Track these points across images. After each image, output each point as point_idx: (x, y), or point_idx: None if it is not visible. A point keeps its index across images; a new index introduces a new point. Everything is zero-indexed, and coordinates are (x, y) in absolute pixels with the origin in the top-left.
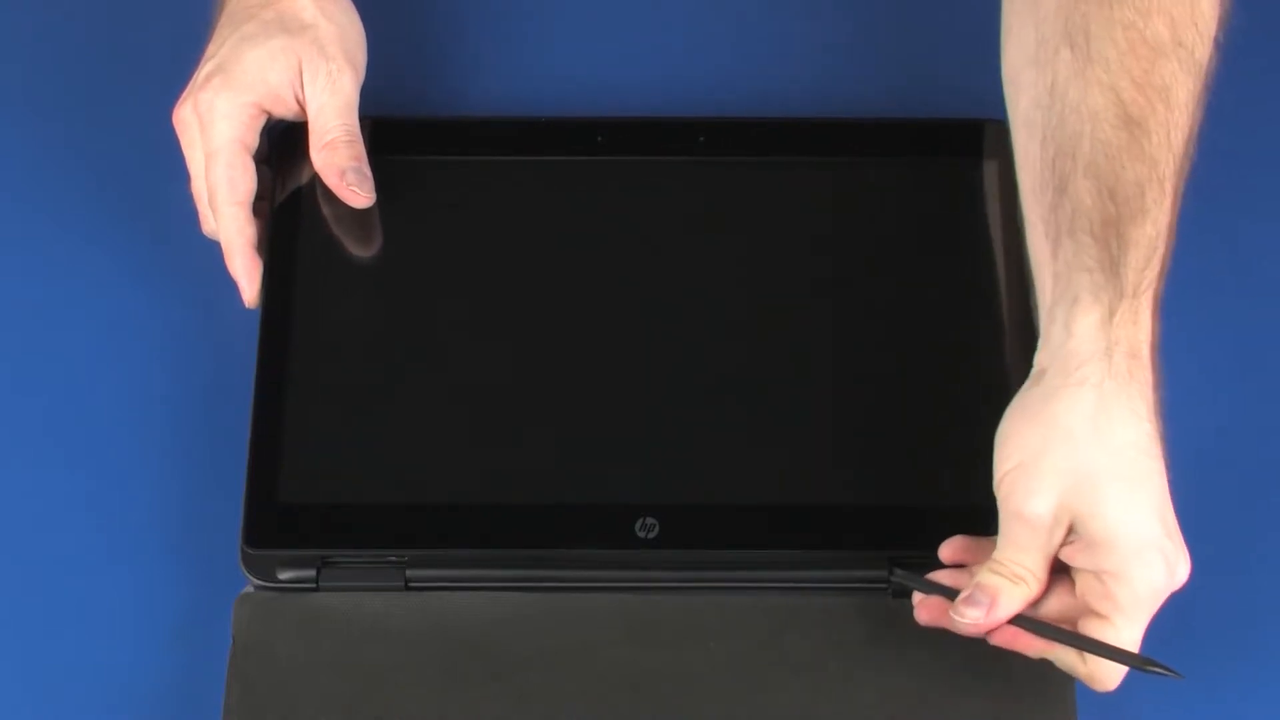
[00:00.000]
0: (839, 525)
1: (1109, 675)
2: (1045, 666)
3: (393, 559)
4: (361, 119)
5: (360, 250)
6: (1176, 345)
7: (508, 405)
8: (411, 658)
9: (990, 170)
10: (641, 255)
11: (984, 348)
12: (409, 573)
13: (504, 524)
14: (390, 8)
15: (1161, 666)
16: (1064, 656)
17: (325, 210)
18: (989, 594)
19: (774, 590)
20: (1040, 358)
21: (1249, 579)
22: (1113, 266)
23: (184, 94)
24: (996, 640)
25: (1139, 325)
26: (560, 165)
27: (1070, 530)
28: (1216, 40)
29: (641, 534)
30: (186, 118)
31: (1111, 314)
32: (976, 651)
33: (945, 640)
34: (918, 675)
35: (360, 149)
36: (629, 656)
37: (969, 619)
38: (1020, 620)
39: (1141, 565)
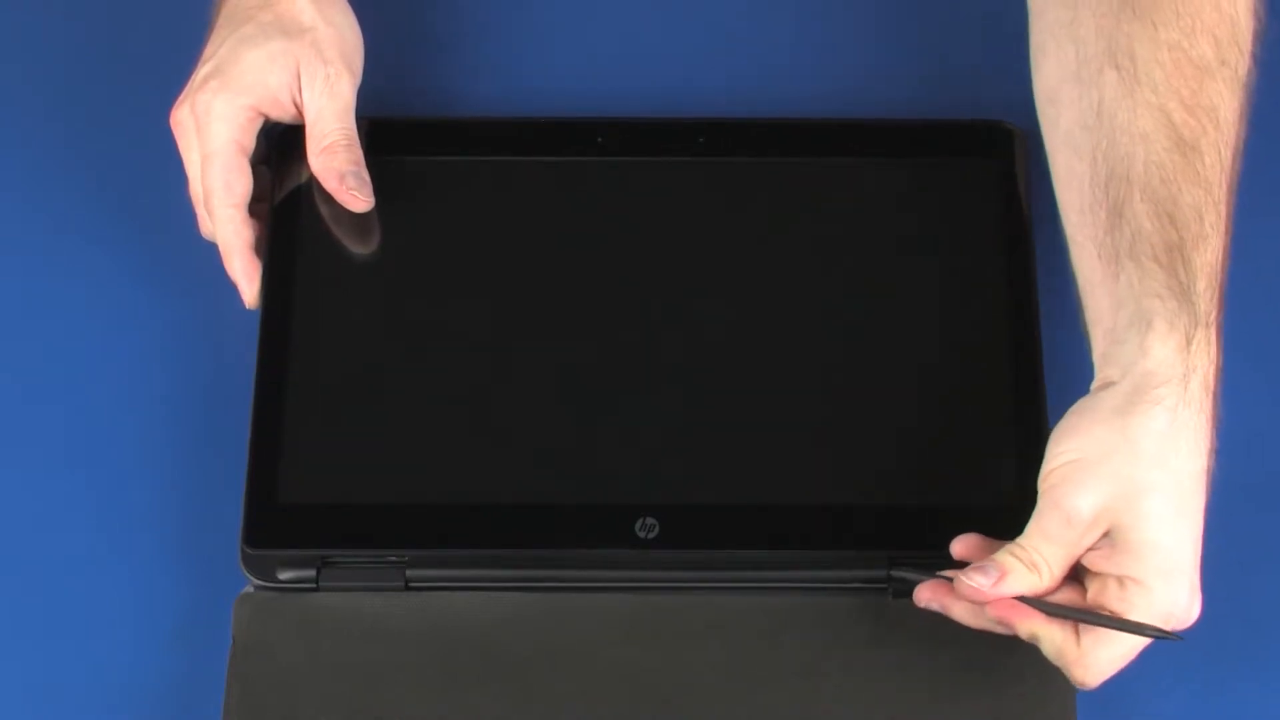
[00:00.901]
0: (839, 525)
1: (1098, 665)
2: (1045, 667)
3: (393, 559)
4: (360, 119)
5: (360, 251)
6: None
7: (508, 405)
8: (411, 658)
9: (991, 171)
10: (641, 255)
11: (985, 349)
12: (409, 573)
13: (504, 524)
14: (390, 8)
15: (1166, 633)
16: (1054, 639)
17: (325, 211)
18: (1000, 568)
19: (774, 590)
20: (1109, 372)
21: (1253, 582)
22: (1184, 294)
23: (181, 95)
24: (993, 612)
25: (1210, 356)
26: (560, 165)
27: (1104, 537)
28: (1254, 55)
29: (641, 534)
30: (184, 119)
31: (1189, 341)
32: (976, 652)
33: (946, 640)
34: (918, 675)
35: (358, 153)
36: (629, 656)
37: (974, 582)
38: (1026, 598)
39: (1168, 583)
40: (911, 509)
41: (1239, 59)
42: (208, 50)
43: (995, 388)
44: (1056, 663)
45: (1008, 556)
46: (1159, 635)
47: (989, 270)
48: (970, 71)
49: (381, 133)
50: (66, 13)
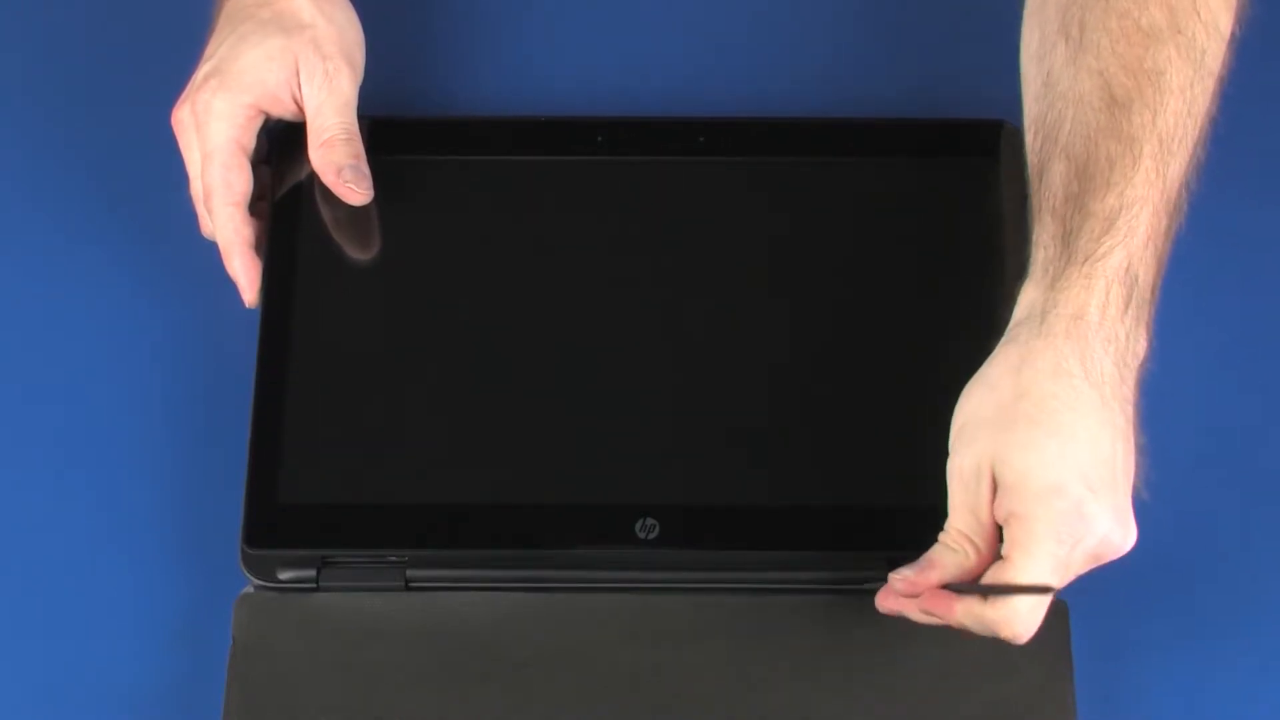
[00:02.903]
0: (839, 526)
1: (1018, 617)
2: (1045, 664)
3: (393, 559)
4: (361, 119)
5: (360, 250)
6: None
7: (508, 405)
8: (411, 658)
9: (992, 171)
10: (641, 256)
11: (988, 348)
12: (409, 573)
13: (504, 524)
14: (390, 8)
15: (1035, 588)
16: (971, 612)
17: (325, 210)
18: (927, 557)
19: (774, 591)
20: None
21: (1251, 570)
22: (1065, 238)
23: (182, 95)
24: (924, 604)
25: (1090, 290)
26: (560, 165)
27: (994, 486)
28: (1232, 33)
29: (641, 534)
30: (184, 119)
31: (1055, 281)
32: (977, 650)
33: (946, 639)
34: (917, 674)
35: (358, 147)
36: (629, 656)
37: (900, 576)
38: (949, 586)
39: (1042, 504)
40: (911, 509)
41: (1198, 28)
42: (208, 49)
43: None
44: (985, 633)
45: (936, 545)
46: (1029, 592)
47: (990, 270)
48: (970, 70)
49: (381, 132)
50: (66, 12)
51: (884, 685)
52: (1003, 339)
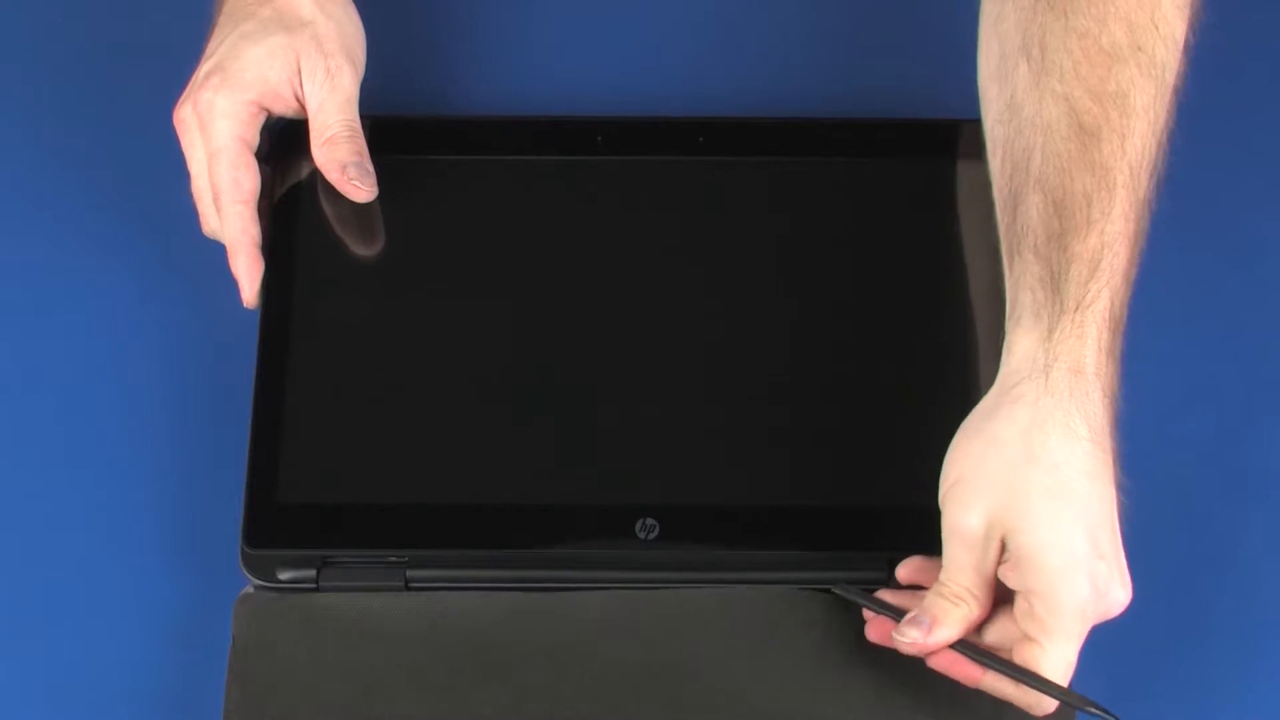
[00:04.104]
0: (838, 525)
1: (1042, 702)
2: None
3: (393, 559)
4: (362, 118)
5: (360, 250)
6: (1176, 344)
7: (508, 405)
8: (411, 658)
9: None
10: (641, 255)
11: (987, 350)
12: (409, 573)
13: (504, 524)
14: (390, 7)
15: (1096, 707)
16: (999, 685)
17: (325, 209)
18: (930, 615)
19: (774, 590)
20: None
21: (1252, 582)
22: (1054, 283)
23: (184, 94)
24: (934, 664)
25: (1084, 340)
26: (560, 165)
27: (1005, 548)
28: (1186, 41)
29: (641, 534)
30: (187, 117)
31: (1051, 331)
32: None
33: None
34: (917, 675)
35: (361, 143)
36: (629, 656)
37: (909, 639)
38: (960, 646)
39: (1065, 584)
40: (910, 509)
41: (1157, 44)
42: (209, 47)
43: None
44: (1015, 704)
45: (935, 599)
46: (1067, 701)
47: (989, 270)
48: (972, 70)
49: (382, 132)
50: (67, 12)
51: (884, 685)
52: (1002, 390)
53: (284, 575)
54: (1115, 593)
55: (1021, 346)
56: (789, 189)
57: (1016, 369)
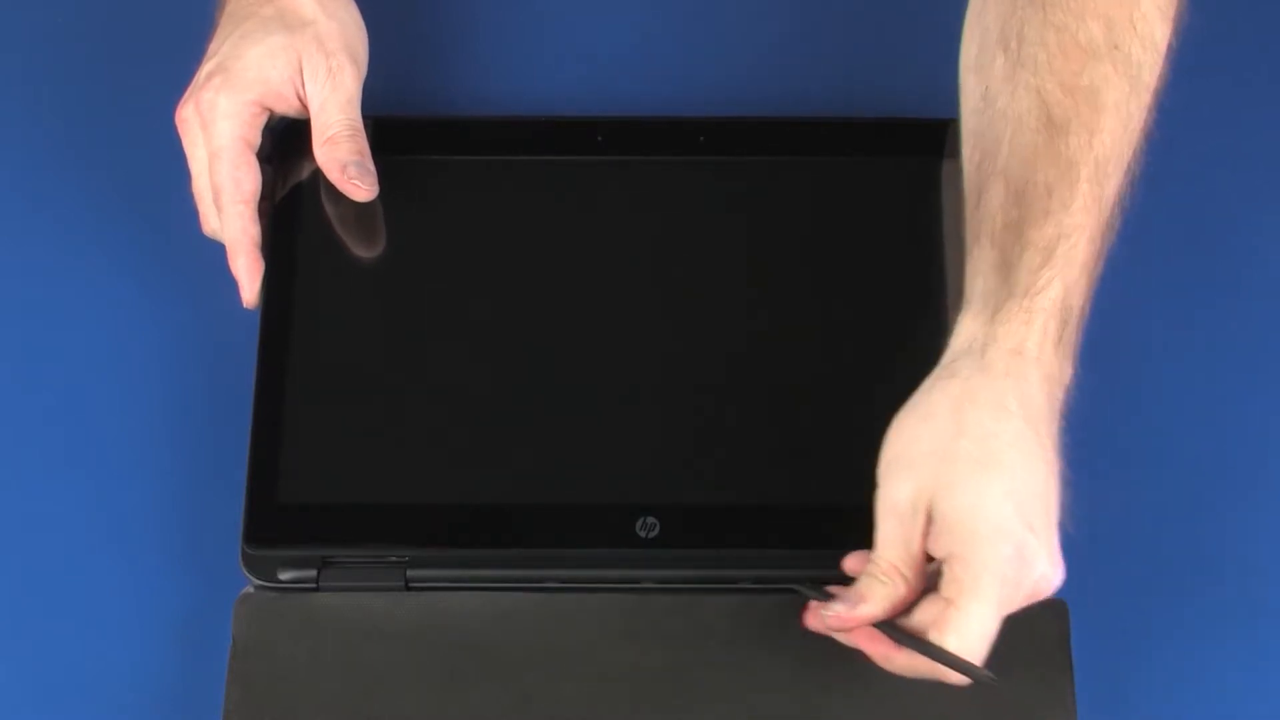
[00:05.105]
0: (839, 525)
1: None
2: (1045, 665)
3: (393, 559)
4: (364, 118)
5: (360, 250)
6: (1176, 344)
7: (508, 405)
8: (411, 658)
9: None
10: (641, 255)
11: None
12: (409, 573)
13: (504, 524)
14: (391, 7)
15: (985, 674)
16: (910, 663)
17: (326, 209)
18: (856, 592)
19: (774, 589)
20: None
21: (1251, 569)
22: (1006, 269)
23: (186, 94)
24: (848, 639)
25: (1030, 325)
26: (560, 165)
27: (930, 520)
28: (1169, 43)
29: (641, 534)
30: (188, 117)
31: (995, 314)
32: None
33: None
34: (920, 676)
35: (362, 143)
36: (629, 656)
37: (831, 611)
38: (881, 624)
39: (987, 546)
40: None
41: (1134, 43)
42: (211, 48)
43: None
44: (929, 678)
45: (864, 577)
46: (969, 673)
47: None
48: None
49: (382, 132)
50: (67, 12)
51: (885, 685)
52: (939, 370)
53: (284, 575)
54: (1042, 567)
55: (965, 329)
56: (790, 189)
57: (956, 349)
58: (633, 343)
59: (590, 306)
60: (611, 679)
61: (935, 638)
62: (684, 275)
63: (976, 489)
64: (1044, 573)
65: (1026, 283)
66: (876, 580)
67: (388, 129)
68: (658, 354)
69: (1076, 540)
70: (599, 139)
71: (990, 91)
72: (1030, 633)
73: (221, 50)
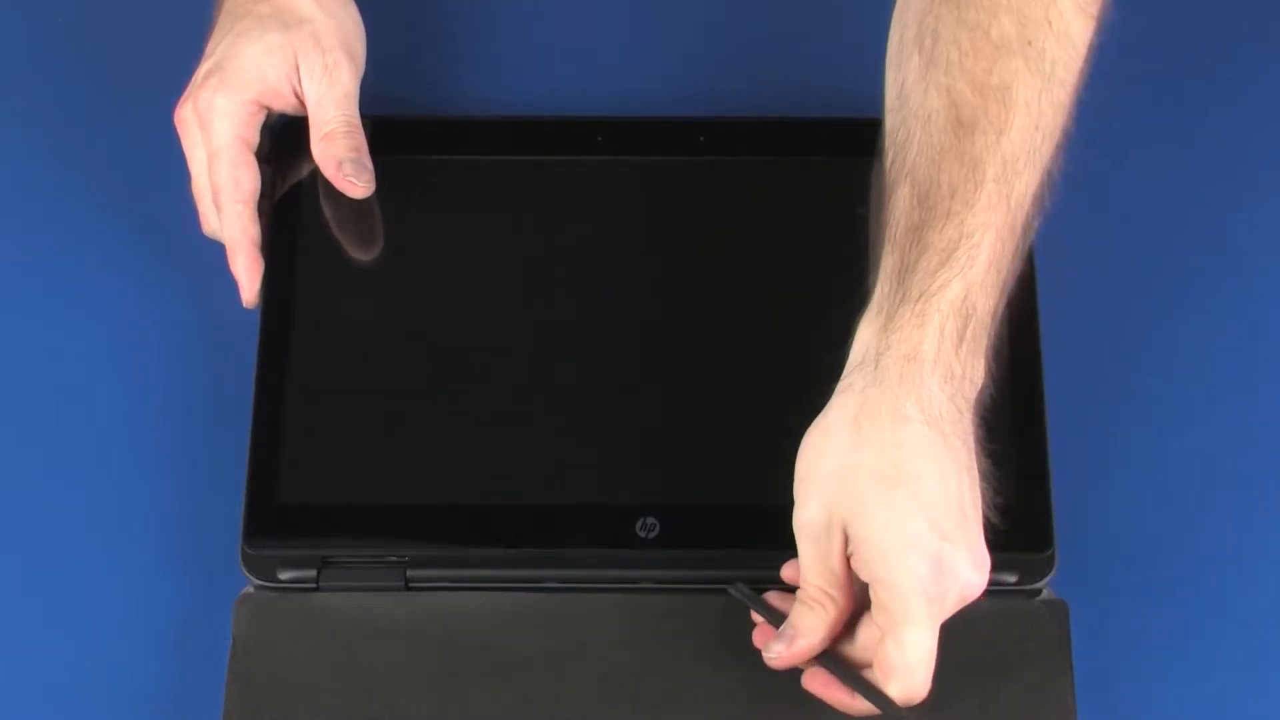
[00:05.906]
0: None
1: (906, 681)
2: (1045, 665)
3: (393, 559)
4: (362, 117)
5: (360, 250)
6: (1175, 345)
7: (508, 405)
8: (411, 658)
9: None
10: (641, 255)
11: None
12: (409, 573)
13: (504, 524)
14: (390, 7)
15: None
16: (863, 707)
17: (325, 209)
18: (792, 625)
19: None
20: None
21: (1249, 570)
22: (902, 273)
23: (184, 94)
24: (808, 687)
25: (924, 328)
26: (560, 165)
27: (847, 539)
28: (1090, 41)
29: (641, 534)
30: (187, 117)
31: (889, 321)
32: (976, 648)
33: (945, 637)
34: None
35: (359, 139)
36: (629, 656)
37: (773, 653)
38: (825, 659)
39: (902, 565)
40: None
41: (1048, 39)
42: (208, 47)
43: (995, 392)
44: (878, 707)
45: (796, 606)
46: (886, 710)
47: None
48: None
49: (382, 132)
50: (67, 12)
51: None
52: (839, 384)
53: (284, 575)
54: (965, 573)
55: (860, 339)
56: (791, 188)
57: (852, 361)
58: (633, 343)
59: (590, 307)
60: (611, 679)
61: (879, 680)
62: (683, 276)
63: (885, 506)
64: (968, 579)
65: (922, 285)
66: (806, 607)
67: (387, 129)
68: (658, 354)
69: (1077, 540)
70: (599, 139)
71: (904, 90)
72: (1030, 633)
73: (218, 49)
